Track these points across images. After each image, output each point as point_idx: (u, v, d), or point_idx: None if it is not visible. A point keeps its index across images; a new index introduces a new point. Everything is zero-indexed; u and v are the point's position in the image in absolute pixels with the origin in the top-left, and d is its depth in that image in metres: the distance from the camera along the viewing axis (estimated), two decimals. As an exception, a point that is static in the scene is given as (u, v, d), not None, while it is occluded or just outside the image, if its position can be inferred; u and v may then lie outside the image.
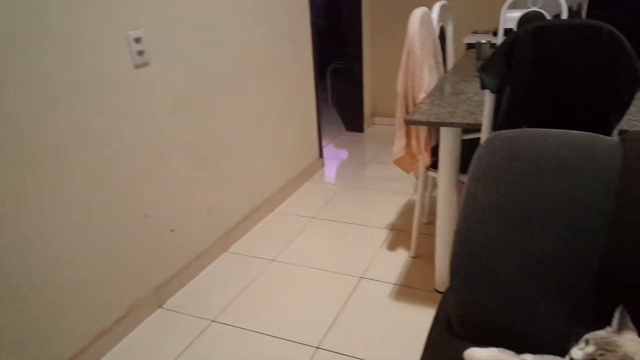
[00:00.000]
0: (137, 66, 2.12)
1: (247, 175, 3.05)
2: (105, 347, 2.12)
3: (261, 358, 2.06)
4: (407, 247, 2.81)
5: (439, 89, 2.45)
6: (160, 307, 2.43)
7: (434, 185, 3.07)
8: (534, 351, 1.06)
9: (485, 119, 1.81)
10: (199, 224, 2.67)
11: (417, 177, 2.64)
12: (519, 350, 1.05)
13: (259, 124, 3.12)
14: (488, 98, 1.78)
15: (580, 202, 1.07)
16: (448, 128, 2.17)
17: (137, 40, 2.09)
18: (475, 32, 4.08)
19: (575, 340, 0.99)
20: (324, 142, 4.55)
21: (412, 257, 2.71)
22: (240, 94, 2.88)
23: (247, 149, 3.02)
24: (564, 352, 0.98)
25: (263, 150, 3.19)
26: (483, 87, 1.76)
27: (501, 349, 1.04)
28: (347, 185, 3.72)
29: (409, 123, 2.00)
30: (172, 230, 2.47)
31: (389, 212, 3.23)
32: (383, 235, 2.95)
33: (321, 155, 3.98)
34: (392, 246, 2.83)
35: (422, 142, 2.42)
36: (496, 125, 1.77)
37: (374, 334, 2.17)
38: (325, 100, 5.78)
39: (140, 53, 2.12)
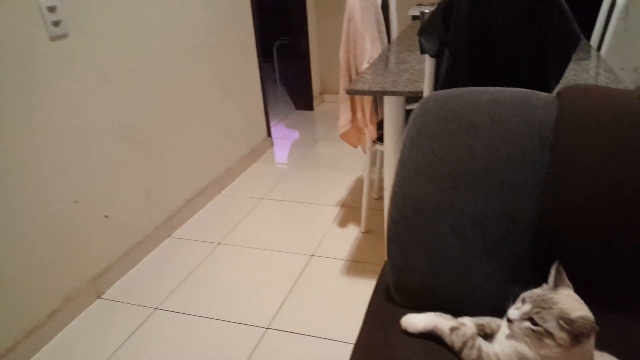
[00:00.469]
0: (53, 38, 1.93)
1: (188, 156, 2.91)
2: (39, 342, 1.97)
3: (208, 342, 1.98)
4: (358, 223, 2.77)
5: (382, 59, 2.39)
6: (99, 297, 2.29)
7: (383, 160, 3.04)
8: (472, 314, 1.03)
9: (426, 85, 1.77)
10: (138, 208, 2.52)
11: (365, 152, 2.59)
12: (457, 314, 1.02)
13: (200, 101, 2.97)
14: (428, 63, 1.73)
15: (515, 159, 1.03)
16: (391, 98, 2.12)
17: (51, 9, 1.90)
18: (420, 5, 4.05)
19: (513, 300, 0.97)
20: (273, 122, 4.44)
21: (363, 233, 2.68)
22: (175, 69, 2.72)
23: (187, 128, 2.87)
24: (502, 313, 0.95)
25: (206, 130, 3.05)
26: (422, 51, 1.71)
27: (439, 313, 1.00)
28: (297, 164, 3.64)
29: (350, 93, 1.93)
30: (106, 217, 2.31)
31: (340, 189, 3.18)
32: (334, 212, 2.90)
33: (269, 134, 3.87)
34: (343, 223, 2.79)
35: (368, 114, 2.36)
36: (437, 90, 1.73)
37: (325, 310, 2.12)
38: (274, 79, 5.64)
39: (56, 24, 1.93)
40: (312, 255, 2.51)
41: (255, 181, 3.38)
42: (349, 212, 2.90)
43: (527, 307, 0.90)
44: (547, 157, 1.01)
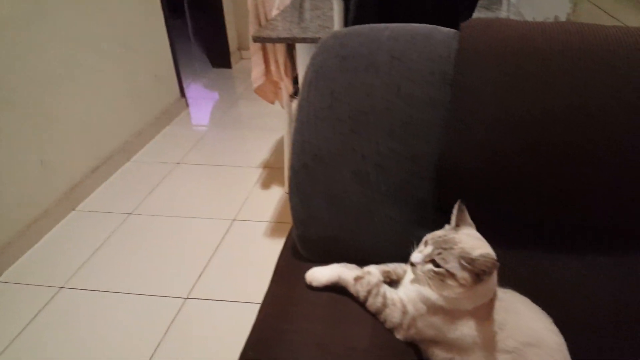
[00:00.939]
0: None
1: (87, 120, 2.63)
2: None
3: (122, 319, 1.86)
4: (282, 184, 2.69)
5: (295, 5, 2.26)
6: (-5, 281, 2.07)
7: (303, 116, 2.95)
8: (378, 261, 0.99)
9: (336, 28, 1.67)
10: (31, 180, 2.27)
11: (283, 107, 2.48)
12: (364, 263, 0.97)
13: (95, 57, 2.66)
14: (336, 5, 1.63)
15: (416, 97, 0.97)
16: (304, 47, 2.01)
17: None
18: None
19: (417, 243, 0.93)
20: (188, 81, 4.17)
21: (287, 193, 2.60)
22: (58, 17, 2.39)
23: (80, 88, 2.57)
24: (408, 258, 0.91)
25: (104, 90, 2.77)
26: (328, -7, 1.61)
27: (343, 264, 0.95)
28: (216, 125, 3.46)
29: (257, 40, 1.80)
30: (-8, 191, 2.06)
31: (262, 149, 3.06)
32: (256, 174, 2.79)
33: (183, 94, 3.63)
34: (266, 184, 2.70)
35: (282, 66, 2.24)
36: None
37: (248, 274, 2.05)
38: (188, 35, 5.28)
39: None
40: (234, 220, 2.42)
41: (170, 145, 3.18)
42: (272, 172, 2.81)
43: (428, 250, 0.87)
44: (447, 94, 0.96)
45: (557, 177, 0.92)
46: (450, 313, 0.87)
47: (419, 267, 0.88)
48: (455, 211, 0.91)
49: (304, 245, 1.02)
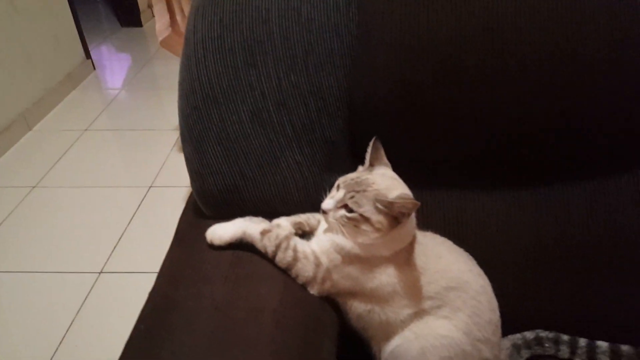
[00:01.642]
0: None
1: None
2: None
3: (30, 299, 1.68)
4: (203, 145, 2.51)
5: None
6: None
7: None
8: (288, 212, 0.88)
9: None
10: None
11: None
12: (273, 215, 0.87)
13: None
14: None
15: (318, 23, 0.85)
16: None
17: None
18: None
19: (329, 190, 0.83)
20: (95, 42, 3.77)
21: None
22: None
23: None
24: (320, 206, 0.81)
25: (-6, 53, 2.43)
26: None
27: (248, 218, 0.84)
28: (127, 87, 3.17)
29: (152, -18, 1.58)
30: None
31: (181, 111, 2.84)
32: (174, 137, 2.58)
33: (88, 56, 3.28)
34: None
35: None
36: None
37: (166, 243, 1.89)
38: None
39: None
40: (151, 187, 2.23)
41: (76, 111, 2.87)
42: (191, 134, 2.61)
43: (340, 194, 0.78)
44: (354, 18, 0.85)
45: (472, 105, 0.85)
46: (367, 261, 0.79)
47: (330, 214, 0.78)
48: (369, 149, 0.82)
49: (204, 199, 0.89)
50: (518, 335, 0.94)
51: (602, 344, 0.91)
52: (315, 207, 0.84)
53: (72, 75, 3.09)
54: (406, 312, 0.80)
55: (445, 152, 0.93)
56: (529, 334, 0.94)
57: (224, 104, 0.84)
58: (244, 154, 0.85)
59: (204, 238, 0.83)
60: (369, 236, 0.76)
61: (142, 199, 2.15)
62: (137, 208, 2.10)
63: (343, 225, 0.76)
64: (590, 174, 0.94)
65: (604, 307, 0.94)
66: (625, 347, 0.91)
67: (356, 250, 0.78)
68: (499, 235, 0.92)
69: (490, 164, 0.95)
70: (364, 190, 0.76)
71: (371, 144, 0.81)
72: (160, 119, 2.77)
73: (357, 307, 0.82)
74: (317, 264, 0.80)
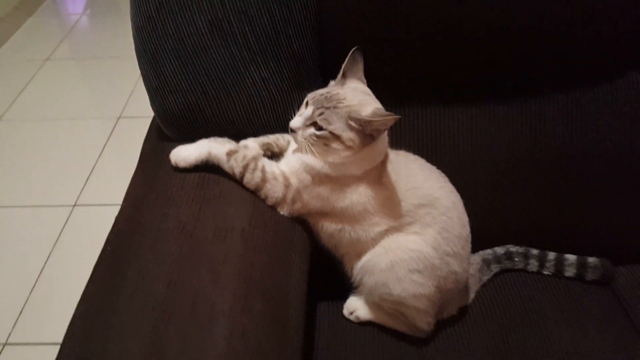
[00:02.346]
0: None
1: None
2: None
3: (6, 234, 1.66)
4: (174, 74, 2.40)
5: None
6: None
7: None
8: (256, 133, 0.85)
9: None
10: None
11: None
12: (240, 136, 0.83)
13: None
14: None
15: None
16: None
17: None
18: None
19: (298, 107, 0.80)
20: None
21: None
22: None
23: None
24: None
25: None
26: None
27: (213, 139, 0.80)
28: (90, 12, 2.96)
29: None
30: None
31: (148, 37, 2.68)
32: (142, 64, 2.45)
33: (44, -23, 3.03)
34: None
35: None
36: None
37: (138, 174, 1.86)
38: None
39: None
40: (120, 117, 2.15)
41: (35, 39, 2.69)
42: (160, 62, 2.49)
43: (309, 111, 0.74)
44: None
45: (446, 15, 0.81)
46: (338, 181, 0.77)
47: (299, 132, 0.75)
48: (347, 59, 0.76)
49: (165, 120, 0.85)
50: (488, 251, 0.96)
51: (570, 257, 0.95)
52: (284, 128, 0.81)
53: (27, 0, 2.86)
54: (377, 230, 0.79)
55: (418, 66, 0.89)
56: (500, 249, 0.96)
57: (180, 13, 0.76)
58: (205, 69, 0.79)
59: (169, 161, 0.79)
60: (339, 155, 0.74)
61: (112, 131, 2.08)
62: (107, 140, 2.04)
63: (312, 144, 0.73)
64: (564, 85, 0.92)
65: (573, 221, 0.96)
66: (591, 259, 0.95)
67: (326, 169, 0.75)
68: (473, 151, 0.91)
69: (464, 78, 0.92)
70: (335, 107, 0.72)
71: (351, 53, 0.76)
72: (126, 46, 2.58)
73: (328, 227, 0.81)
74: (287, 185, 0.78)
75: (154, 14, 0.76)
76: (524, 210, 0.95)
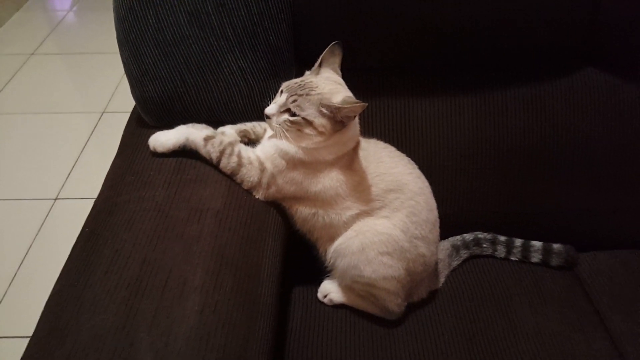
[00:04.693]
0: None
1: None
2: None
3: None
4: (159, 70, 2.41)
5: None
6: None
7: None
8: (234, 120, 0.88)
9: None
10: None
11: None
12: (218, 124, 0.86)
13: None
14: None
15: None
16: None
17: None
18: None
19: (274, 95, 0.83)
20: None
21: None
22: None
23: None
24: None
25: None
26: None
27: (191, 125, 0.83)
28: (77, 7, 2.96)
29: None
30: None
31: (134, 34, 2.69)
32: (128, 61, 2.46)
33: (31, -27, 3.02)
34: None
35: None
36: None
37: (121, 168, 1.87)
38: None
39: None
40: (104, 112, 2.16)
41: (20, 34, 2.68)
42: (146, 58, 2.50)
43: (283, 98, 0.77)
44: None
45: (417, 6, 0.84)
46: (311, 166, 0.80)
47: (274, 118, 0.78)
48: (326, 51, 0.80)
49: (145, 107, 0.87)
50: (458, 237, 0.99)
51: (536, 243, 0.99)
52: (261, 116, 0.84)
53: (12, -6, 2.85)
54: (348, 213, 0.82)
55: (388, 59, 0.93)
56: (468, 236, 1.00)
57: (160, 4, 0.79)
58: (184, 58, 0.82)
59: (148, 146, 0.82)
60: (312, 140, 0.77)
61: (95, 125, 2.09)
62: (91, 134, 2.04)
63: (287, 130, 0.77)
64: (525, 80, 0.96)
65: (536, 208, 1.00)
66: (556, 246, 0.98)
67: (300, 155, 0.79)
68: (440, 139, 0.95)
69: (431, 70, 0.96)
70: (307, 94, 0.76)
71: (330, 46, 0.80)
72: (112, 42, 2.59)
73: (302, 211, 0.84)
74: (262, 170, 0.80)
75: (135, 5, 0.79)
76: (489, 196, 0.99)
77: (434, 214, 0.87)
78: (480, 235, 1.00)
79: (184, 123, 0.83)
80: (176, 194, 0.75)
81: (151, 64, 0.82)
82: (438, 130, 0.94)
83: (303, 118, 0.75)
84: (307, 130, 0.76)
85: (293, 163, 0.80)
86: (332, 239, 0.85)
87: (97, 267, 0.65)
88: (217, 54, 0.83)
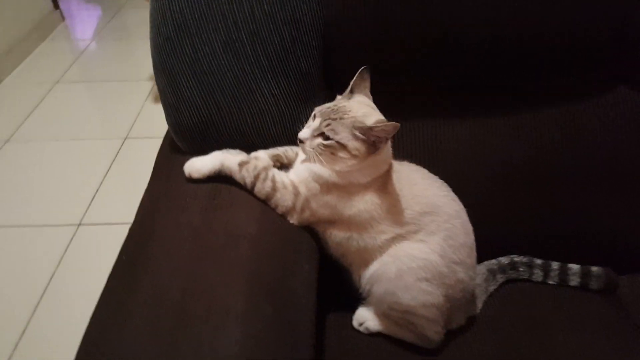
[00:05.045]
0: None
1: None
2: None
3: (9, 253, 1.66)
4: (180, 96, 2.45)
5: None
6: None
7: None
8: (265, 145, 0.88)
9: None
10: None
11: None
12: (250, 149, 0.86)
13: None
14: None
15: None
16: None
17: None
18: None
19: (306, 120, 0.83)
20: (64, -9, 3.59)
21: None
22: None
23: None
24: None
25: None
26: None
27: (226, 150, 0.83)
28: (99, 37, 3.04)
29: None
30: None
31: (155, 61, 2.75)
32: (148, 87, 2.51)
33: (57, 6, 3.13)
34: (159, 97, 2.44)
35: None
36: None
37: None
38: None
39: None
40: (126, 138, 2.19)
41: (46, 63, 2.76)
42: (167, 85, 2.54)
43: (316, 123, 0.77)
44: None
45: (446, 31, 0.85)
46: (345, 189, 0.80)
47: (307, 142, 0.78)
48: (356, 76, 0.80)
49: (180, 134, 0.88)
50: (493, 261, 0.97)
51: (574, 266, 0.96)
52: (293, 140, 0.84)
53: (41, 25, 2.95)
54: (383, 237, 0.81)
55: (419, 82, 0.93)
56: (504, 259, 0.97)
57: (197, 35, 0.81)
58: (219, 86, 0.83)
59: (182, 172, 0.82)
60: (346, 163, 0.77)
61: (118, 151, 2.11)
62: (113, 160, 2.07)
63: (320, 154, 0.77)
64: (557, 99, 0.95)
65: (573, 231, 0.98)
66: (594, 268, 0.95)
67: (334, 178, 0.78)
68: (471, 161, 0.94)
69: (462, 92, 0.95)
70: (341, 118, 0.76)
71: (360, 71, 0.80)
72: (134, 69, 2.68)
73: (335, 235, 0.83)
74: (296, 194, 0.80)
75: (172, 35, 0.81)
76: (523, 219, 0.97)
77: (471, 237, 0.86)
78: (517, 258, 0.97)
79: (218, 148, 0.83)
80: (213, 220, 0.75)
81: (187, 92, 0.83)
82: (469, 152, 0.94)
83: (337, 142, 0.75)
84: (341, 154, 0.76)
85: (327, 186, 0.79)
86: (366, 263, 0.84)
87: (137, 296, 0.64)
88: (251, 81, 0.84)
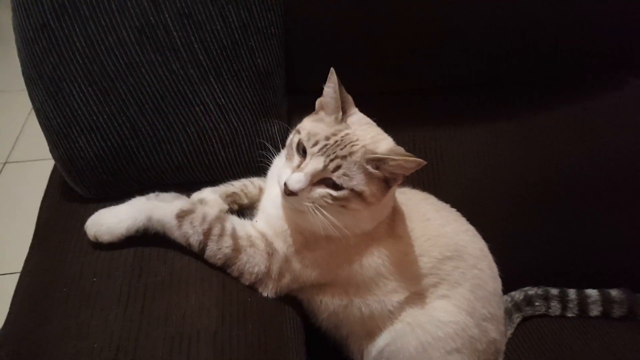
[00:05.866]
0: None
1: None
2: None
3: None
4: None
5: None
6: None
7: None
8: (215, 180, 0.61)
9: None
10: None
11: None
12: (192, 188, 0.58)
13: None
14: None
15: None
16: None
17: None
18: None
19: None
20: None
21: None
22: None
23: None
24: (257, 169, 0.54)
25: None
26: None
27: (154, 195, 0.55)
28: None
29: None
30: None
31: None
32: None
33: None
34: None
35: None
36: None
37: (28, 235, 1.49)
38: None
39: None
40: (6, 163, 1.79)
41: None
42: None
43: (317, 164, 0.51)
44: None
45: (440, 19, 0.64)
46: (339, 241, 0.55)
47: (302, 195, 0.51)
48: (339, 87, 0.54)
49: (75, 173, 0.58)
50: (506, 298, 0.81)
51: (592, 292, 0.84)
52: (251, 170, 0.58)
53: None
54: (395, 299, 0.59)
55: (412, 77, 0.72)
56: (518, 294, 0.83)
57: (92, 18, 0.51)
58: (134, 96, 0.54)
59: (84, 233, 0.52)
60: (356, 216, 0.53)
61: (-5, 180, 1.70)
62: (-10, 191, 1.66)
63: (323, 207, 0.51)
64: (568, 96, 0.82)
65: (591, 251, 0.85)
66: (614, 292, 0.85)
67: (330, 231, 0.53)
68: (478, 176, 0.76)
69: (463, 91, 0.78)
70: (350, 154, 0.51)
71: (334, 78, 0.54)
72: (10, 78, 2.20)
73: (328, 303, 0.59)
74: (270, 252, 0.55)
75: (50, 20, 0.50)
76: (540, 242, 0.84)
77: (499, 282, 0.67)
78: (531, 291, 0.82)
79: (140, 193, 0.55)
80: (143, 316, 0.46)
81: (82, 108, 0.53)
82: (475, 164, 0.75)
83: (351, 190, 0.50)
84: (354, 205, 0.52)
85: (315, 239, 0.55)
86: (372, 335, 0.61)
87: None
88: (185, 87, 0.56)
